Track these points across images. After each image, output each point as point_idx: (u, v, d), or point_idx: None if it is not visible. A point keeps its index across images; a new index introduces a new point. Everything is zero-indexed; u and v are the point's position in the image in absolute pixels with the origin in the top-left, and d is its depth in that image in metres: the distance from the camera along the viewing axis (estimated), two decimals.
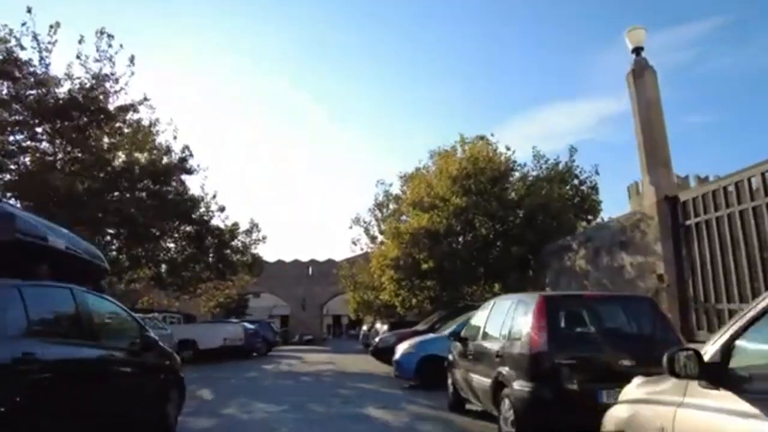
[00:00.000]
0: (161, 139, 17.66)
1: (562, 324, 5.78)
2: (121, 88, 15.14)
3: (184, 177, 18.54)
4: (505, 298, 7.28)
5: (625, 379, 3.54)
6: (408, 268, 17.01)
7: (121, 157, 16.56)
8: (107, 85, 14.88)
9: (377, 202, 26.44)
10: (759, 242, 7.08)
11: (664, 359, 2.49)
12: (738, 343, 2.32)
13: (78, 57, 14.40)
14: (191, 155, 18.21)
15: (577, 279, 12.65)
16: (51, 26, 13.80)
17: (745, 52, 71.89)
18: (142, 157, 16.90)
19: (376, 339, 17.31)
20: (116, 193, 16.50)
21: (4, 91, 13.72)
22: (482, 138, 17.68)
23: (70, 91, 14.31)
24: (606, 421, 3.33)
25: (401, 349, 11.45)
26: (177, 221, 18.85)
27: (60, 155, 15.27)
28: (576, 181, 17.22)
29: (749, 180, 7.26)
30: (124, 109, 15.57)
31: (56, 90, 14.21)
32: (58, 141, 15.04)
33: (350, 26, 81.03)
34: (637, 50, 9.80)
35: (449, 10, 76.23)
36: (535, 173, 17.33)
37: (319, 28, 78.12)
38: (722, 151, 70.70)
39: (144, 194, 17.25)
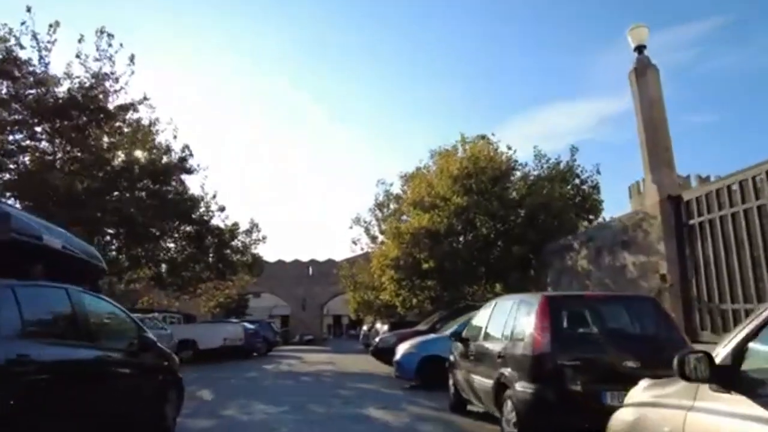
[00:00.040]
0: (161, 139, 17.69)
1: (565, 324, 5.73)
2: (121, 88, 15.16)
3: (183, 177, 18.55)
4: (506, 298, 7.22)
5: (629, 380, 3.48)
6: (408, 268, 16.96)
7: (120, 156, 16.52)
8: (107, 84, 14.87)
9: (378, 202, 26.44)
10: (764, 242, 7.02)
11: (675, 362, 2.43)
12: (750, 345, 2.27)
13: (78, 56, 14.41)
14: (191, 155, 18.24)
15: (579, 279, 12.60)
16: (50, 25, 13.81)
17: (745, 51, 71.99)
18: (141, 156, 16.86)
19: (377, 339, 17.22)
20: (116, 193, 16.47)
21: (4, 91, 13.69)
22: (483, 137, 17.65)
23: (69, 90, 14.28)
24: (611, 425, 3.26)
25: (402, 349, 11.38)
26: (177, 221, 18.83)
27: (59, 154, 15.24)
28: (577, 181, 17.18)
29: (753, 179, 7.20)
30: (123, 108, 15.54)
31: (56, 89, 14.19)
32: (57, 140, 15.01)
33: (350, 26, 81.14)
34: (640, 48, 9.74)
35: (449, 10, 76.29)
36: (536, 173, 17.29)
37: (319, 28, 78.23)
38: (723, 151, 70.93)
39: (144, 194, 17.23)
